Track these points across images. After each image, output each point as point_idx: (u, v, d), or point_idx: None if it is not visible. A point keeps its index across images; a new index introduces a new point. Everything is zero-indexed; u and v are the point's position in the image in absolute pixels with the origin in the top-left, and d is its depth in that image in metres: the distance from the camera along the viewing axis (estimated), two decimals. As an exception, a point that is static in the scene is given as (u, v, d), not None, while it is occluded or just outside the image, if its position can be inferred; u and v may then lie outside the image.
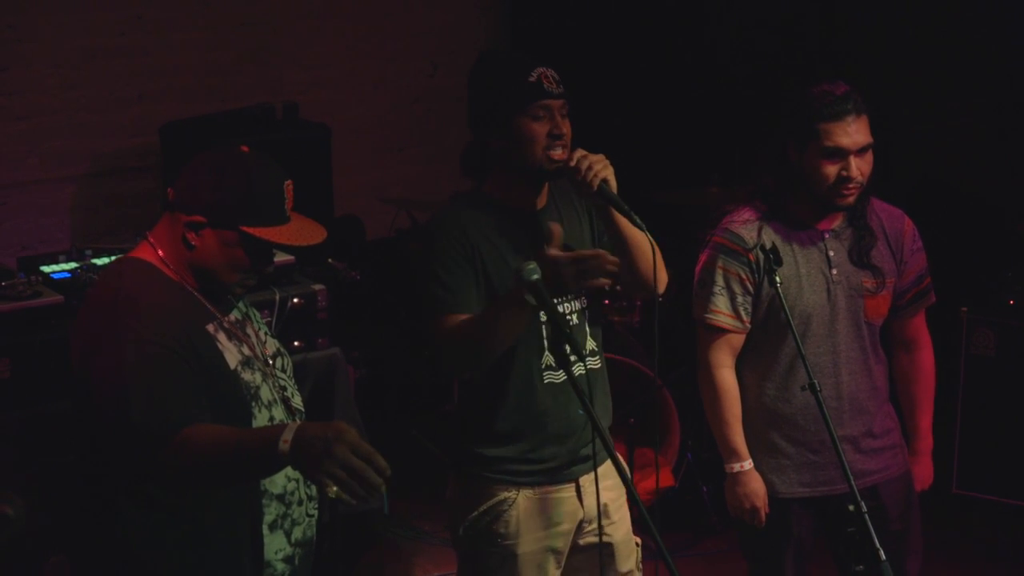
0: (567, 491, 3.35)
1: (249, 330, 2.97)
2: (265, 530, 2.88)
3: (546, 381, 3.29)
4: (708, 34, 7.06)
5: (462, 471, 3.40)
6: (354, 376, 5.04)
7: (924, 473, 3.88)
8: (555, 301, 3.24)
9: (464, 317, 3.19)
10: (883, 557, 3.23)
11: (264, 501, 2.88)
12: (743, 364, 3.70)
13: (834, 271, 3.62)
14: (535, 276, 2.99)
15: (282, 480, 2.90)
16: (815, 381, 3.35)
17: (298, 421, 2.91)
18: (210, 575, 2.85)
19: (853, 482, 3.29)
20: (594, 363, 3.38)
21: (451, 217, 3.30)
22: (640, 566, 3.51)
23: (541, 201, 3.34)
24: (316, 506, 3.01)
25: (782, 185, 3.61)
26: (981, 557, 5.32)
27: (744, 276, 3.61)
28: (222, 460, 2.64)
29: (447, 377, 3.41)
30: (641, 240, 3.26)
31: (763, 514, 3.65)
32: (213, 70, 6.67)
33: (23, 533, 3.55)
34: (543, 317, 3.25)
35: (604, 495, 3.34)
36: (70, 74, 6.28)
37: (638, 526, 3.44)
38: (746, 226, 3.62)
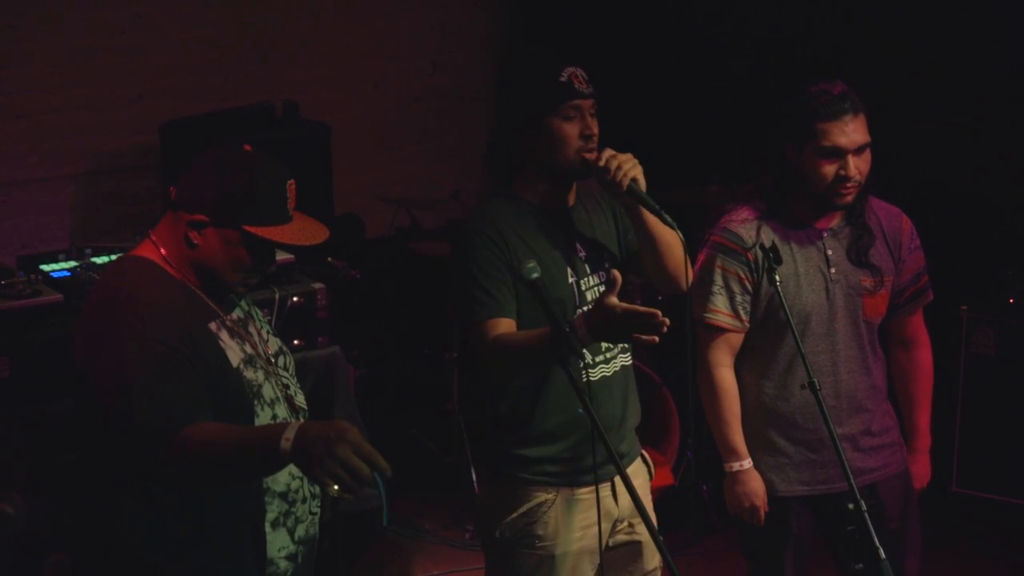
0: (603, 490, 3.33)
1: (251, 328, 2.97)
2: (268, 528, 2.89)
3: (585, 380, 3.28)
4: (708, 32, 7.06)
5: (498, 473, 3.38)
6: (354, 375, 5.04)
7: (922, 471, 3.88)
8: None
9: (505, 322, 3.18)
10: (883, 556, 3.24)
11: (267, 499, 2.88)
12: (742, 363, 3.70)
13: (832, 270, 3.63)
14: (534, 275, 2.99)
15: (285, 478, 2.90)
16: (814, 380, 3.35)
17: (301, 420, 2.92)
18: (213, 573, 2.85)
19: (852, 480, 3.29)
20: (626, 359, 3.40)
21: (487, 218, 3.28)
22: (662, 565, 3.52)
23: (572, 198, 3.35)
24: (319, 504, 3.01)
25: (780, 184, 3.62)
26: (981, 556, 5.33)
27: (743, 275, 3.61)
28: (224, 458, 2.64)
29: (494, 381, 3.40)
30: (670, 237, 3.27)
31: (762, 513, 3.66)
32: (213, 69, 6.67)
33: (23, 531, 3.55)
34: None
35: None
36: (70, 73, 6.28)
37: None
38: (745, 225, 3.63)
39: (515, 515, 3.33)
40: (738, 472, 3.66)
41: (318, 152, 6.18)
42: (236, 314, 2.95)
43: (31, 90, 6.20)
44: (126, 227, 6.33)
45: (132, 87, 6.45)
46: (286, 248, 2.90)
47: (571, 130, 3.20)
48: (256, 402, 2.86)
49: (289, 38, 6.90)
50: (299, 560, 2.97)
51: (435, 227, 6.34)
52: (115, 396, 2.67)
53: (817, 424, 3.52)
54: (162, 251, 2.85)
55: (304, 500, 2.96)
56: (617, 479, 3.35)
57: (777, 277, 3.43)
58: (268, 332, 3.04)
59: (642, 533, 3.43)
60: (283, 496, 2.91)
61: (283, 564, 2.93)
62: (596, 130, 3.23)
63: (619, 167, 3.17)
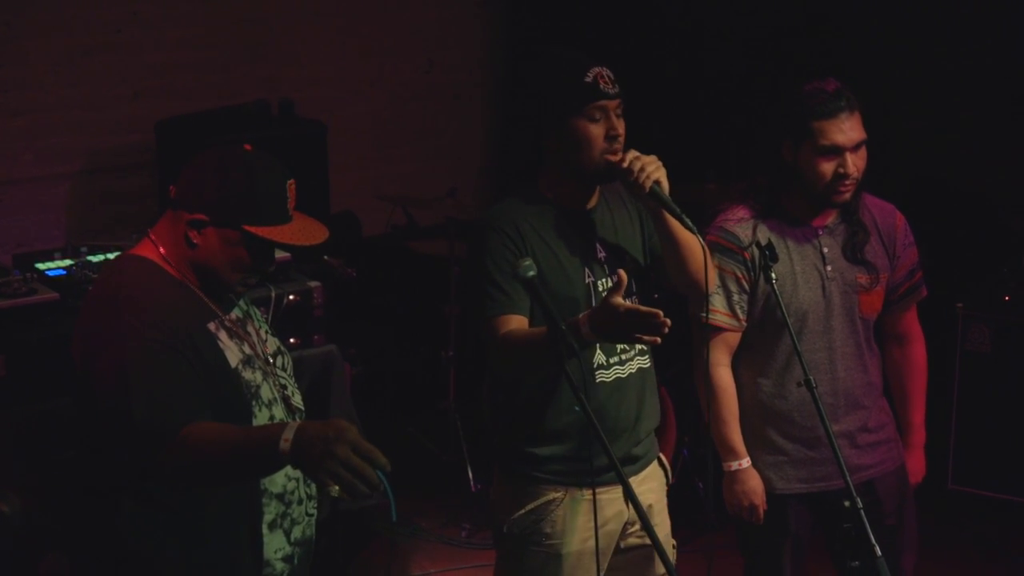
0: (615, 492, 3.32)
1: (250, 328, 2.97)
2: (265, 529, 2.88)
3: (598, 380, 3.28)
4: (704, 30, 7.06)
5: (509, 470, 3.38)
6: (350, 373, 5.04)
7: (917, 466, 3.88)
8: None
9: (516, 319, 3.18)
10: (879, 553, 3.24)
11: (264, 500, 2.87)
12: (739, 362, 3.70)
13: (829, 267, 3.63)
14: (530, 273, 2.99)
15: (282, 479, 2.90)
16: (811, 377, 3.35)
17: (298, 420, 2.91)
18: (209, 574, 2.85)
19: (849, 478, 3.30)
20: (644, 362, 3.38)
21: (504, 214, 3.27)
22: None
23: (595, 199, 3.34)
24: (315, 505, 3.01)
25: (775, 183, 3.62)
26: (977, 553, 5.33)
27: (740, 274, 3.62)
28: (223, 458, 2.64)
29: (504, 377, 3.39)
30: (691, 241, 3.26)
31: (762, 511, 3.66)
32: (209, 67, 6.66)
33: (19, 530, 3.55)
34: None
35: (648, 497, 3.37)
36: (66, 71, 6.27)
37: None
38: (741, 224, 3.63)
39: (522, 512, 3.33)
40: (737, 471, 3.66)
41: (314, 150, 6.17)
42: (235, 314, 2.95)
43: (27, 88, 6.19)
44: (122, 225, 6.32)
45: (128, 85, 6.44)
46: (286, 248, 2.89)
47: (596, 131, 3.18)
48: (254, 403, 2.85)
49: (285, 36, 6.90)
50: (295, 561, 2.96)
51: (431, 225, 6.34)
52: (114, 395, 2.67)
53: (815, 422, 3.52)
54: (161, 250, 2.85)
55: (300, 502, 2.95)
56: (631, 481, 3.32)
57: (773, 276, 3.43)
58: (267, 332, 3.04)
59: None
60: (280, 498, 2.90)
61: (279, 566, 2.92)
62: (622, 131, 3.21)
63: (642, 169, 3.15)
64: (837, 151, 3.51)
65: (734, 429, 3.66)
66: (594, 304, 3.23)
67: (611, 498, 3.33)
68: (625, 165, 3.17)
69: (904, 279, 3.75)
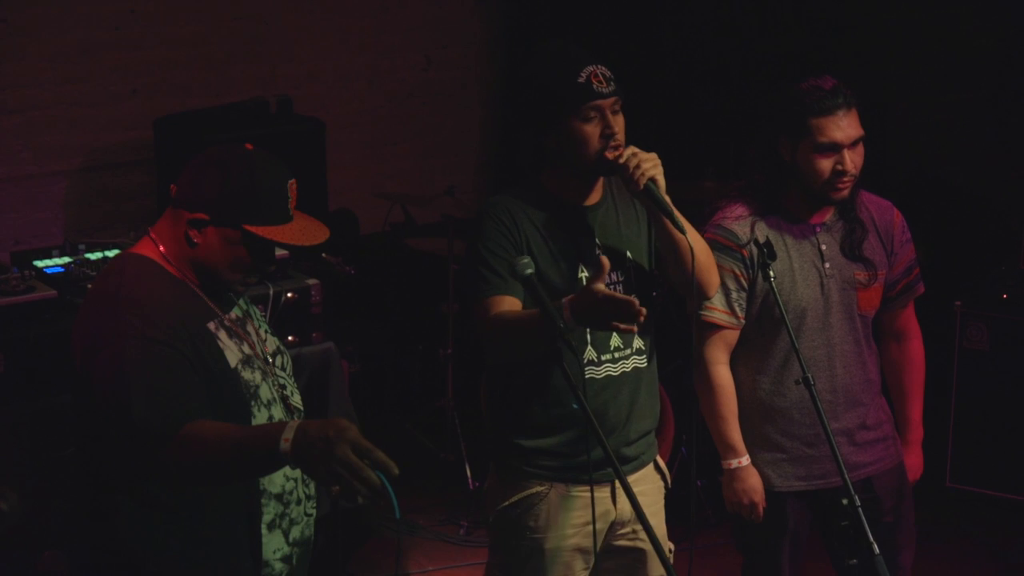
0: (601, 491, 3.32)
1: (250, 328, 2.97)
2: (264, 529, 2.88)
3: (587, 376, 3.27)
4: (703, 27, 7.06)
5: (499, 461, 3.40)
6: (348, 371, 5.04)
7: (915, 463, 3.88)
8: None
9: (508, 299, 3.18)
10: (877, 551, 3.24)
11: (263, 500, 2.87)
12: (737, 359, 3.70)
13: (827, 264, 3.63)
14: (528, 271, 2.99)
15: (280, 479, 2.89)
16: (809, 375, 3.35)
17: (297, 419, 2.91)
18: (208, 573, 2.84)
19: (847, 476, 3.30)
20: (640, 361, 3.37)
21: (502, 203, 3.29)
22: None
23: (596, 195, 3.33)
24: (314, 505, 3.01)
25: (773, 181, 3.62)
26: (975, 551, 5.33)
27: (738, 272, 3.61)
28: (222, 458, 2.63)
29: (492, 361, 3.40)
30: (693, 243, 3.24)
31: (761, 509, 3.66)
32: (207, 64, 6.66)
33: (17, 527, 3.54)
34: None
35: (639, 499, 3.33)
36: (63, 68, 6.27)
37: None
38: (739, 222, 3.63)
39: (507, 503, 3.34)
40: (736, 469, 3.66)
41: (312, 148, 6.17)
42: (235, 313, 2.94)
43: (24, 85, 6.18)
44: (120, 223, 6.32)
45: (126, 83, 6.44)
46: (287, 248, 2.89)
47: (591, 131, 3.18)
48: (253, 403, 2.85)
49: (283, 34, 6.89)
50: (294, 561, 2.96)
51: (430, 223, 6.33)
52: (113, 394, 2.66)
53: (813, 419, 3.52)
54: (161, 249, 2.84)
55: (299, 501, 2.95)
56: (619, 482, 3.33)
57: (772, 273, 3.43)
58: (266, 331, 3.04)
59: (647, 541, 3.40)
60: (279, 498, 2.90)
61: (278, 566, 2.92)
62: (618, 128, 3.20)
63: (638, 166, 3.15)
64: (835, 148, 3.51)
65: (733, 427, 3.66)
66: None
67: (598, 497, 3.32)
68: (622, 161, 3.17)
69: (902, 275, 3.75)
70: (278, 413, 2.91)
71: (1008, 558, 5.26)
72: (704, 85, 6.96)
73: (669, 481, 3.53)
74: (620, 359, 3.32)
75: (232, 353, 2.84)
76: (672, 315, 5.44)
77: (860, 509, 3.28)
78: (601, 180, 3.32)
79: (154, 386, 2.65)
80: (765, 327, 3.64)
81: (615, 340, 3.31)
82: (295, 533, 2.94)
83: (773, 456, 3.69)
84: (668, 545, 3.50)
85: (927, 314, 3.94)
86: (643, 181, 3.15)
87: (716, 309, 3.62)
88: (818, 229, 3.64)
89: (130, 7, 6.42)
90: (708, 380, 3.66)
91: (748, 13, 6.86)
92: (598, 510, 3.32)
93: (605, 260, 3.02)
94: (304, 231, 2.86)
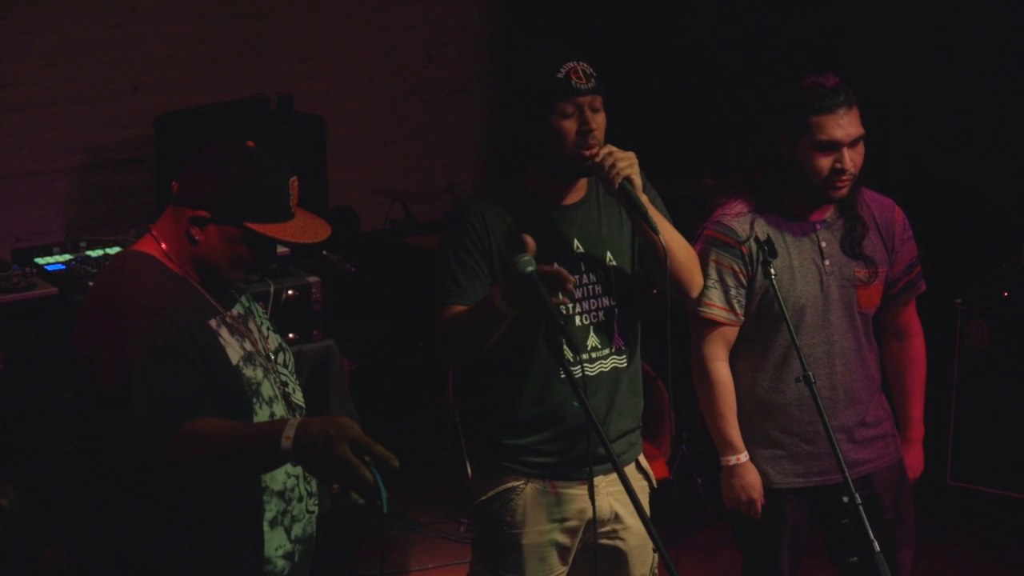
0: (578, 488, 3.33)
1: (251, 325, 2.97)
2: (266, 527, 2.88)
3: (562, 376, 3.27)
4: (703, 24, 7.06)
5: (479, 456, 3.42)
6: (349, 368, 5.04)
7: (916, 461, 3.88)
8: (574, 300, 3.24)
9: (461, 309, 3.20)
10: (877, 548, 3.24)
11: (265, 497, 2.87)
12: (737, 356, 3.70)
13: (827, 262, 3.63)
14: (529, 268, 2.98)
15: (282, 476, 2.90)
16: (809, 373, 3.35)
17: (298, 417, 2.91)
18: (210, 571, 2.84)
19: (847, 473, 3.30)
20: (620, 361, 3.36)
21: (474, 208, 3.29)
22: (656, 572, 3.50)
23: (577, 194, 3.32)
24: (316, 503, 3.01)
25: (773, 178, 3.62)
26: (975, 549, 5.33)
27: (737, 269, 3.61)
28: (223, 455, 2.63)
29: (443, 366, 3.43)
30: (670, 243, 3.22)
31: (759, 506, 3.66)
32: (207, 62, 6.66)
33: (18, 524, 3.55)
34: (562, 311, 3.24)
35: (618, 498, 3.35)
36: (64, 66, 6.27)
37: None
38: (738, 219, 3.63)
39: (485, 497, 3.36)
40: (735, 466, 3.66)
41: (313, 145, 6.18)
42: (236, 310, 2.95)
43: (25, 83, 6.19)
44: (121, 220, 6.32)
45: (126, 80, 6.44)
46: (288, 245, 2.88)
47: (569, 127, 3.16)
48: (254, 400, 2.85)
49: (284, 31, 6.90)
50: (296, 559, 2.96)
51: (430, 220, 6.34)
52: (115, 391, 2.66)
53: (812, 416, 3.52)
54: (163, 246, 2.84)
55: (301, 499, 2.95)
56: (599, 479, 3.33)
57: (772, 270, 3.43)
58: (268, 329, 3.04)
59: (628, 540, 3.41)
60: (281, 495, 2.90)
61: (280, 563, 2.92)
62: (596, 125, 3.17)
63: (613, 165, 3.13)
64: (834, 146, 3.51)
65: (732, 424, 3.66)
66: (561, 299, 3.22)
67: (574, 494, 3.34)
68: (598, 160, 3.16)
69: (903, 273, 3.75)
70: (280, 410, 2.91)
71: (1008, 556, 5.26)
72: (705, 82, 6.96)
73: (653, 481, 3.52)
74: (597, 359, 3.32)
75: (234, 350, 2.84)
76: (673, 313, 5.44)
77: (860, 507, 3.28)
78: (585, 179, 3.31)
79: (156, 383, 2.65)
80: (764, 324, 3.64)
81: (592, 340, 3.31)
82: (297, 530, 2.95)
83: (772, 453, 3.69)
84: (650, 546, 3.49)
85: (927, 311, 3.94)
86: (618, 180, 3.13)
87: (715, 306, 3.62)
88: (818, 226, 3.64)
89: (131, 5, 6.42)
90: (707, 377, 3.66)
91: (750, 11, 6.86)
92: (574, 507, 3.34)
93: (530, 239, 3.01)
94: (306, 228, 2.86)
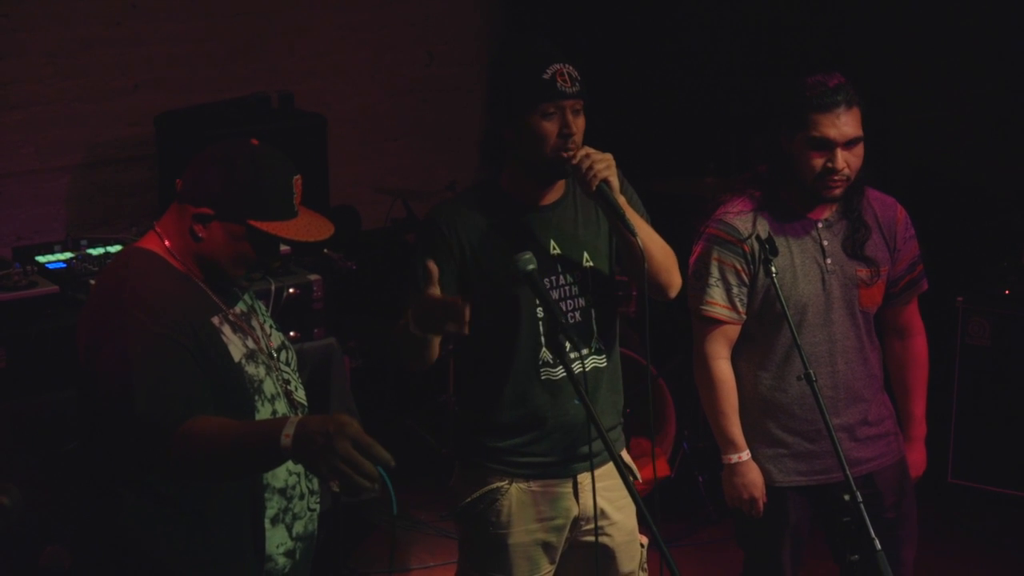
0: (563, 487, 3.34)
1: (254, 323, 2.97)
2: (267, 524, 2.88)
3: (543, 377, 3.28)
4: (705, 22, 7.05)
5: (462, 458, 3.41)
6: (350, 366, 5.04)
7: (918, 459, 3.88)
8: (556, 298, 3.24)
9: None
10: (878, 547, 3.24)
11: (266, 495, 2.87)
12: (739, 354, 3.70)
13: (828, 260, 3.63)
14: (531, 266, 2.98)
15: (284, 474, 2.90)
16: (811, 371, 3.35)
17: (299, 415, 2.91)
18: (212, 568, 2.84)
19: (849, 472, 3.30)
20: (599, 361, 3.36)
21: (445, 210, 3.30)
22: (645, 567, 3.50)
23: (554, 195, 3.31)
24: (317, 500, 3.01)
25: (775, 175, 3.62)
26: (976, 546, 5.34)
27: (739, 267, 3.61)
28: (224, 453, 2.63)
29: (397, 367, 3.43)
30: (647, 244, 3.22)
31: (761, 504, 3.66)
32: (209, 60, 6.66)
33: (19, 522, 3.55)
34: (540, 314, 3.24)
35: (603, 495, 3.34)
36: (65, 64, 6.27)
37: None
38: (740, 217, 3.63)
39: (470, 499, 3.36)
40: (736, 464, 3.66)
41: (314, 143, 6.17)
42: (239, 308, 2.95)
43: (26, 81, 6.19)
44: (122, 219, 6.33)
45: (127, 78, 6.44)
46: (290, 243, 2.89)
47: (550, 128, 3.15)
48: (257, 397, 2.85)
49: (285, 29, 6.89)
50: (297, 556, 2.97)
51: (431, 218, 6.33)
52: (117, 388, 2.66)
53: (814, 414, 3.52)
54: (166, 243, 2.85)
55: (302, 496, 2.95)
56: (582, 477, 3.34)
57: (773, 268, 3.43)
58: (271, 326, 3.04)
59: (614, 536, 3.41)
60: (282, 492, 2.90)
61: (281, 560, 2.92)
62: (576, 129, 3.17)
63: (590, 167, 3.13)
64: (827, 145, 3.50)
65: (733, 422, 3.66)
66: (537, 302, 3.22)
67: (559, 492, 3.34)
68: (575, 162, 3.15)
69: (905, 272, 3.75)
70: (282, 408, 2.91)
71: (1009, 554, 5.26)
72: (706, 81, 6.95)
73: (638, 476, 3.52)
74: (575, 360, 3.30)
75: (236, 348, 2.84)
76: (674, 311, 5.44)
77: (861, 505, 3.28)
78: (562, 180, 3.30)
79: (157, 381, 2.66)
80: (766, 322, 3.64)
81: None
82: (298, 527, 2.95)
83: (774, 451, 3.69)
84: (640, 539, 3.50)
85: (929, 310, 3.94)
86: (595, 183, 3.13)
87: (717, 304, 3.62)
88: (819, 225, 3.64)
89: (132, 3, 6.42)
90: (709, 375, 3.66)
91: (752, 11, 6.85)
92: (560, 505, 3.33)
93: (432, 266, 3.04)
94: (309, 227, 2.86)
